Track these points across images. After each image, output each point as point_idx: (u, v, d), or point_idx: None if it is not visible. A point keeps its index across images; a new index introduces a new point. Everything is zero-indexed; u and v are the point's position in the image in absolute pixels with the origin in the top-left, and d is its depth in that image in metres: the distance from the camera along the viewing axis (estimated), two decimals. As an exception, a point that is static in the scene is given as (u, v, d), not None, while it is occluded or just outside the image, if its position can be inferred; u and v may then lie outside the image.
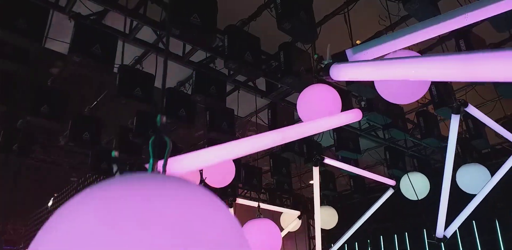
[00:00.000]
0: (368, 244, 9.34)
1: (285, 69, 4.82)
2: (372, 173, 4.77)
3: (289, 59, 4.83)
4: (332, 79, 1.93)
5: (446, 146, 3.32)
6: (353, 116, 2.44)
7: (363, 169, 8.64)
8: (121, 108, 7.24)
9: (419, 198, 4.55)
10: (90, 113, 6.51)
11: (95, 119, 6.35)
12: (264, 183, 8.77)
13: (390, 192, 4.66)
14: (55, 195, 12.40)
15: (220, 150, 2.41)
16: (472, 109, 3.20)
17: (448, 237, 3.36)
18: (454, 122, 3.29)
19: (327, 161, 4.09)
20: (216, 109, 6.34)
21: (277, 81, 5.60)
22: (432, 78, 1.60)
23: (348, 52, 2.04)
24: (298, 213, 5.99)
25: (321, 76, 1.97)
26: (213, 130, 6.27)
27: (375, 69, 1.66)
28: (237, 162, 8.15)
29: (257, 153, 7.60)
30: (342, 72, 1.86)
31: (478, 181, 4.14)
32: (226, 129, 6.31)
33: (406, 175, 4.96)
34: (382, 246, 9.19)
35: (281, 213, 6.73)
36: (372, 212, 4.75)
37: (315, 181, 4.24)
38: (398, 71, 1.51)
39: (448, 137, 3.30)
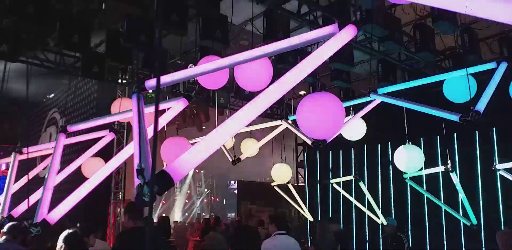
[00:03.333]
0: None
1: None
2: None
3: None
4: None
5: (439, 60, 3.34)
6: (350, 34, 2.38)
7: (354, 81, 8.73)
8: (109, 11, 6.93)
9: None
10: (78, 15, 6.25)
11: (83, 21, 6.12)
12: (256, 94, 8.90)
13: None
14: (48, 96, 12.51)
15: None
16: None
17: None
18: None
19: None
20: (209, 16, 6.11)
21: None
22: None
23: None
24: None
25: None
26: (206, 38, 6.14)
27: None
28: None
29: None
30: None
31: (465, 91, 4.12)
32: (220, 36, 6.17)
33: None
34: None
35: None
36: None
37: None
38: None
39: (442, 51, 3.29)
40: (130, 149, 2.87)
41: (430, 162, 7.94)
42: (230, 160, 5.93)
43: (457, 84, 4.28)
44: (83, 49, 6.31)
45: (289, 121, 5.33)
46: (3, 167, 14.07)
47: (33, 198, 3.51)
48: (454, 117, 3.35)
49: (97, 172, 2.73)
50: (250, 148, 6.40)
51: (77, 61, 8.05)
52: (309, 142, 4.32)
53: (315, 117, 2.72)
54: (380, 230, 8.33)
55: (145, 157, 1.75)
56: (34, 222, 2.43)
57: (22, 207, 3.66)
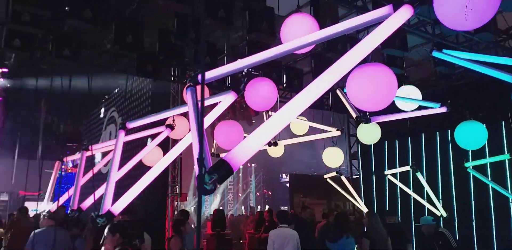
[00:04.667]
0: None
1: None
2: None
3: None
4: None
5: (501, 40, 3.11)
6: (405, 15, 2.27)
7: (409, 67, 8.36)
8: (159, 10, 7.15)
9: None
10: (131, 16, 6.50)
11: (136, 22, 6.36)
12: (305, 84, 8.81)
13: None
14: (106, 97, 13.16)
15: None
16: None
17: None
18: None
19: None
20: (255, 9, 6.12)
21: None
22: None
23: None
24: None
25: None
26: (253, 31, 6.16)
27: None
28: (277, 63, 8.15)
29: (297, 54, 7.48)
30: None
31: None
32: (266, 29, 6.17)
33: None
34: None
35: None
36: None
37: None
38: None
39: (505, 30, 3.07)
40: (186, 142, 2.95)
41: (494, 149, 7.48)
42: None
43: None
44: (137, 49, 6.56)
45: (344, 92, 5.29)
46: (70, 164, 15.04)
47: (97, 193, 3.74)
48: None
49: (157, 162, 2.84)
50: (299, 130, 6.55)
51: (131, 61, 8.38)
52: (354, 115, 4.29)
53: (367, 88, 2.60)
54: (442, 224, 7.95)
55: (204, 147, 1.79)
56: (100, 213, 2.59)
57: (89, 200, 3.90)
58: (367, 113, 4.17)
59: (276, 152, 7.13)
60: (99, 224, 2.54)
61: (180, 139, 3.16)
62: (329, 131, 6.62)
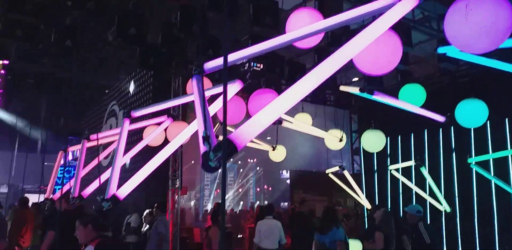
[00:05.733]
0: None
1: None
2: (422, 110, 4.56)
3: None
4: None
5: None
6: (410, 4, 2.24)
7: (413, 64, 8.32)
8: (162, 3, 7.11)
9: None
10: (133, 9, 6.46)
11: (139, 14, 6.32)
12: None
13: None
14: (106, 91, 13.13)
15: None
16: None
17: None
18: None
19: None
20: (259, 3, 6.08)
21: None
22: None
23: None
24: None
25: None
26: (257, 24, 6.13)
27: None
28: (280, 58, 8.11)
29: (301, 49, 7.43)
30: None
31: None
32: (270, 23, 6.14)
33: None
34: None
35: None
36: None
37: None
38: None
39: None
40: (189, 131, 2.94)
41: (498, 146, 7.45)
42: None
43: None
44: (140, 42, 6.51)
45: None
46: (70, 157, 15.03)
47: (98, 182, 3.74)
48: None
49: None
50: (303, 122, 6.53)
51: (133, 54, 8.34)
52: (356, 90, 4.26)
53: (371, 51, 2.51)
54: (443, 218, 7.94)
55: (209, 126, 1.80)
56: (105, 197, 2.59)
57: (90, 189, 3.90)
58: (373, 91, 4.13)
59: (277, 156, 7.00)
60: (104, 208, 2.54)
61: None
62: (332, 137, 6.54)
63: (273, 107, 1.75)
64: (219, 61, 2.84)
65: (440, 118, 4.46)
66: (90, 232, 3.26)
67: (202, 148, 1.64)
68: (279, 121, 6.02)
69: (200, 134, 1.70)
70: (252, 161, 24.40)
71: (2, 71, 11.65)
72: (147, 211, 7.31)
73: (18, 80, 10.82)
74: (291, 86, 1.81)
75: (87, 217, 3.44)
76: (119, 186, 2.85)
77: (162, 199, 9.15)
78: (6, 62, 10.88)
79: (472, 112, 4.47)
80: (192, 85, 2.68)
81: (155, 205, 6.98)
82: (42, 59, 9.52)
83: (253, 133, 1.67)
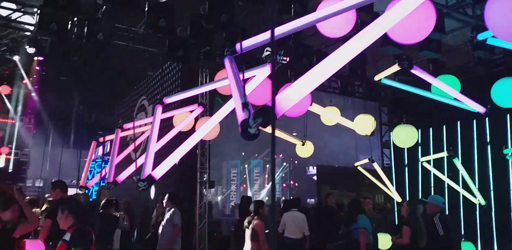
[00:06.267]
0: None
1: None
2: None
3: None
4: None
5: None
6: None
7: (445, 53, 8.04)
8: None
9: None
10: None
11: (169, 5, 6.39)
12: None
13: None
14: (134, 87, 13.38)
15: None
16: None
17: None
18: None
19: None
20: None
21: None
22: None
23: None
24: None
25: None
26: (285, 12, 6.10)
27: None
28: (308, 47, 8.03)
29: (329, 39, 7.34)
30: None
31: None
32: (298, 9, 6.10)
33: None
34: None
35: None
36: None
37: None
38: None
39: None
40: (228, 107, 2.95)
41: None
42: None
43: None
44: (169, 33, 6.58)
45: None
46: (100, 152, 15.41)
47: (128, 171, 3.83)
48: None
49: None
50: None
51: (160, 47, 8.43)
52: (395, 68, 4.16)
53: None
54: (477, 212, 7.68)
55: (244, 95, 1.81)
56: (141, 178, 2.63)
57: (124, 175, 3.98)
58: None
59: (305, 152, 6.91)
60: (141, 188, 2.59)
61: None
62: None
63: (311, 75, 1.72)
64: (251, 41, 2.84)
65: (481, 109, 4.30)
66: (67, 218, 3.29)
67: (241, 116, 1.64)
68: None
69: (239, 102, 1.70)
70: (278, 156, 24.37)
71: (37, 68, 12.05)
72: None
73: (51, 77, 11.17)
74: (333, 52, 1.78)
75: (67, 204, 3.46)
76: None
77: (190, 192, 9.26)
78: (41, 58, 11.23)
79: (509, 92, 4.28)
80: (225, 64, 2.69)
81: (167, 196, 6.41)
82: (74, 56, 9.78)
83: (293, 100, 1.66)
